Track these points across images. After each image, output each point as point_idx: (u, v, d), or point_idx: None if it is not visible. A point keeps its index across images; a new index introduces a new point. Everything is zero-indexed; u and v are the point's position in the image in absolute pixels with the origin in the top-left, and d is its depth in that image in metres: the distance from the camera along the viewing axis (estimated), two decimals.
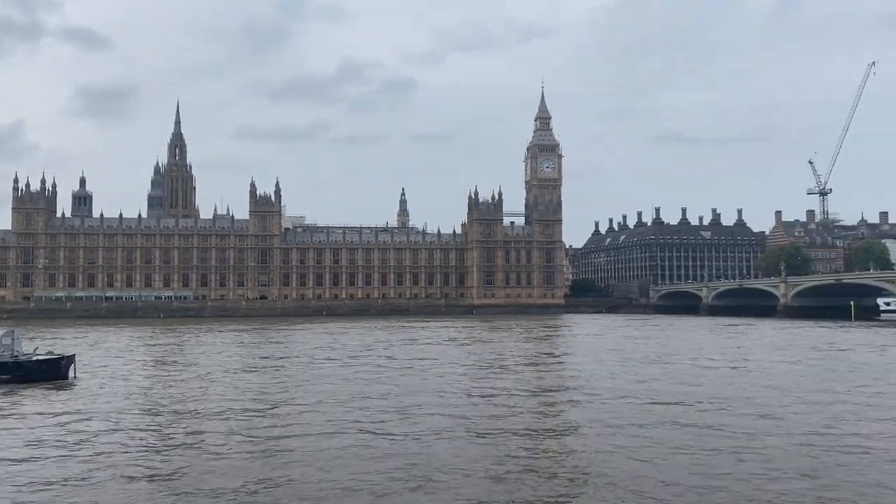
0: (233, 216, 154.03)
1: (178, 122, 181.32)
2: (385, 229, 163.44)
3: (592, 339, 69.80)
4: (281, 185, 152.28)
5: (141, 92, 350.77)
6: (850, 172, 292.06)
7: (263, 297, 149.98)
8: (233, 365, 44.21)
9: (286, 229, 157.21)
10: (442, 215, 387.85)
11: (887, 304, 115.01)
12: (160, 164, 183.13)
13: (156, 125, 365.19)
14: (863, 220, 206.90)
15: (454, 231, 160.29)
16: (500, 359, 47.64)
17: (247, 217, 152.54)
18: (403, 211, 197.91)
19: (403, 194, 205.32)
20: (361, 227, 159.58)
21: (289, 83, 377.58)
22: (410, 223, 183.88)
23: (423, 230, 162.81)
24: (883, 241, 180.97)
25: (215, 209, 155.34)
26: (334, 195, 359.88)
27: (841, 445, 20.51)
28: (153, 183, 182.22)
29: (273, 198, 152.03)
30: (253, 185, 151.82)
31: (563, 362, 47.33)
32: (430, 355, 49.99)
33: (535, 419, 25.31)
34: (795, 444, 20.74)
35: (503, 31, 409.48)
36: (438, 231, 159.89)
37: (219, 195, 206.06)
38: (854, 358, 46.62)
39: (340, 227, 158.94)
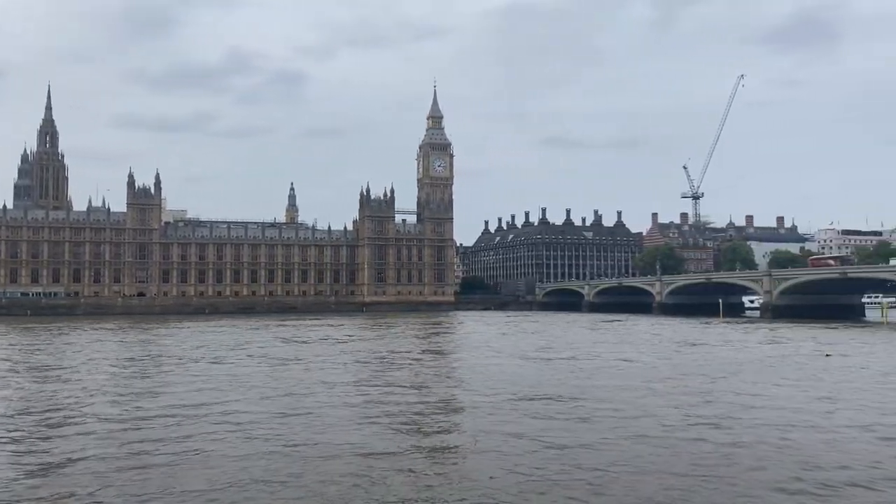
0: (109, 209, 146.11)
1: (49, 108, 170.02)
2: (273, 225, 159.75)
3: (474, 335, 70.96)
4: (161, 178, 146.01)
5: (7, 75, 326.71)
6: (721, 177, 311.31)
7: (142, 295, 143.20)
8: (91, 366, 41.85)
9: (167, 223, 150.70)
10: (332, 212, 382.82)
11: (751, 301, 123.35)
12: (29, 152, 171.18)
13: (24, 111, 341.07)
14: (731, 223, 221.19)
15: (345, 228, 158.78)
16: (379, 356, 47.55)
17: (124, 210, 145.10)
18: (292, 206, 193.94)
19: (292, 189, 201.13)
20: (247, 223, 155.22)
21: (171, 72, 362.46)
22: (300, 219, 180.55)
23: (313, 226, 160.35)
24: (748, 242, 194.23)
25: (90, 201, 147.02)
26: (219, 189, 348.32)
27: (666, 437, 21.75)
28: (20, 171, 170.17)
29: (153, 190, 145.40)
30: (131, 177, 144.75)
31: (441, 358, 47.83)
32: (304, 354, 49.26)
33: (397, 416, 25.40)
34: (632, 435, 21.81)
35: (397, 29, 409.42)
36: (329, 228, 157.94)
37: (94, 187, 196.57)
38: (706, 352, 49.71)
39: (225, 222, 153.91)
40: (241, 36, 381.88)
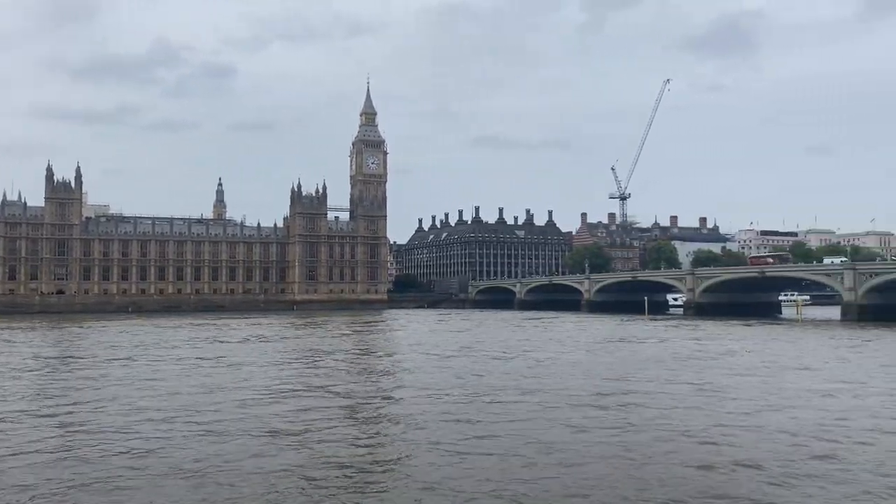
0: (25, 203, 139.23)
1: None
2: (200, 221, 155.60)
3: (401, 333, 70.89)
4: (83, 171, 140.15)
5: None
6: (647, 179, 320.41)
7: (61, 293, 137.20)
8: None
9: (88, 219, 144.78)
10: (262, 209, 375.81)
11: (675, 299, 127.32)
12: None
13: None
14: (656, 224, 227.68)
15: (275, 225, 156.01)
16: (299, 356, 46.92)
17: (42, 204, 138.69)
18: (220, 202, 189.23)
19: (220, 185, 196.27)
20: (173, 218, 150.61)
21: (94, 62, 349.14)
22: (228, 215, 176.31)
23: (242, 223, 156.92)
24: (673, 242, 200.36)
25: (4, 194, 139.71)
26: (144, 184, 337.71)
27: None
28: None
29: (73, 184, 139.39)
30: (50, 170, 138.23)
31: (365, 357, 47.58)
32: (223, 353, 48.20)
33: (307, 414, 25.13)
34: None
35: (329, 24, 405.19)
36: (258, 224, 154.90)
37: (8, 179, 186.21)
38: (625, 347, 51.08)
39: (149, 218, 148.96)
40: (169, 27, 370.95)
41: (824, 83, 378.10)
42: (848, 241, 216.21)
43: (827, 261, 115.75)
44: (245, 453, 18.92)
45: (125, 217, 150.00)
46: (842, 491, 15.48)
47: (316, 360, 43.25)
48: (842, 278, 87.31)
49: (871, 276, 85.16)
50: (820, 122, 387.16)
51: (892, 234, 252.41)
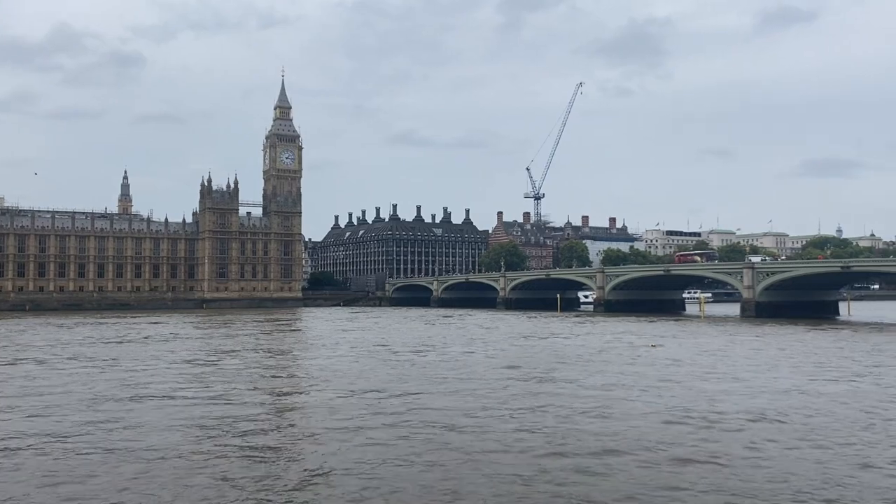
0: None
1: None
2: (104, 215, 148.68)
3: (310, 332, 69.90)
4: None
5: None
6: (561, 179, 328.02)
7: None
8: None
9: None
10: (171, 203, 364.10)
11: (585, 296, 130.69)
12: None
13: None
14: (569, 223, 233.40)
15: (184, 220, 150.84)
16: (193, 357, 45.53)
17: None
18: (126, 196, 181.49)
19: (126, 178, 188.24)
20: (75, 212, 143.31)
21: None
22: (134, 210, 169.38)
23: (149, 218, 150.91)
24: (584, 241, 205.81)
25: None
26: (42, 176, 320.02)
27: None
28: None
29: None
30: None
31: (267, 357, 46.62)
32: (116, 354, 46.25)
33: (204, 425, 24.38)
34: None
35: (242, 15, 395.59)
36: (166, 219, 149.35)
37: None
38: (532, 344, 52.10)
39: (49, 211, 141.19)
40: (72, 12, 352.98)
41: (726, 90, 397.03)
42: (747, 241, 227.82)
43: (756, 258, 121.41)
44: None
45: (22, 210, 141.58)
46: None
47: (206, 361, 41.93)
48: (741, 277, 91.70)
49: (767, 274, 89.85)
50: (721, 127, 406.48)
51: (787, 235, 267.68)
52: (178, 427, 21.78)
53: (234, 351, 47.72)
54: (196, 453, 18.48)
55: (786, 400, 26.67)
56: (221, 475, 16.47)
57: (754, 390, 29.09)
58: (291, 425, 22.87)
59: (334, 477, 16.39)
